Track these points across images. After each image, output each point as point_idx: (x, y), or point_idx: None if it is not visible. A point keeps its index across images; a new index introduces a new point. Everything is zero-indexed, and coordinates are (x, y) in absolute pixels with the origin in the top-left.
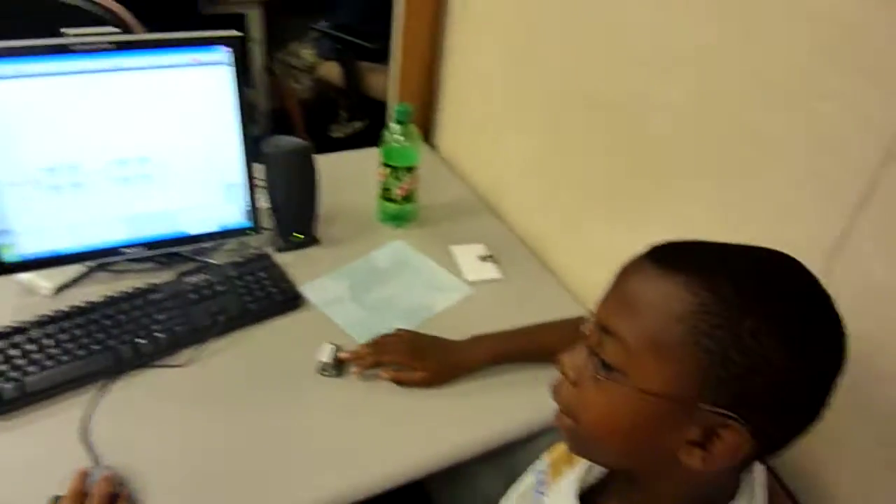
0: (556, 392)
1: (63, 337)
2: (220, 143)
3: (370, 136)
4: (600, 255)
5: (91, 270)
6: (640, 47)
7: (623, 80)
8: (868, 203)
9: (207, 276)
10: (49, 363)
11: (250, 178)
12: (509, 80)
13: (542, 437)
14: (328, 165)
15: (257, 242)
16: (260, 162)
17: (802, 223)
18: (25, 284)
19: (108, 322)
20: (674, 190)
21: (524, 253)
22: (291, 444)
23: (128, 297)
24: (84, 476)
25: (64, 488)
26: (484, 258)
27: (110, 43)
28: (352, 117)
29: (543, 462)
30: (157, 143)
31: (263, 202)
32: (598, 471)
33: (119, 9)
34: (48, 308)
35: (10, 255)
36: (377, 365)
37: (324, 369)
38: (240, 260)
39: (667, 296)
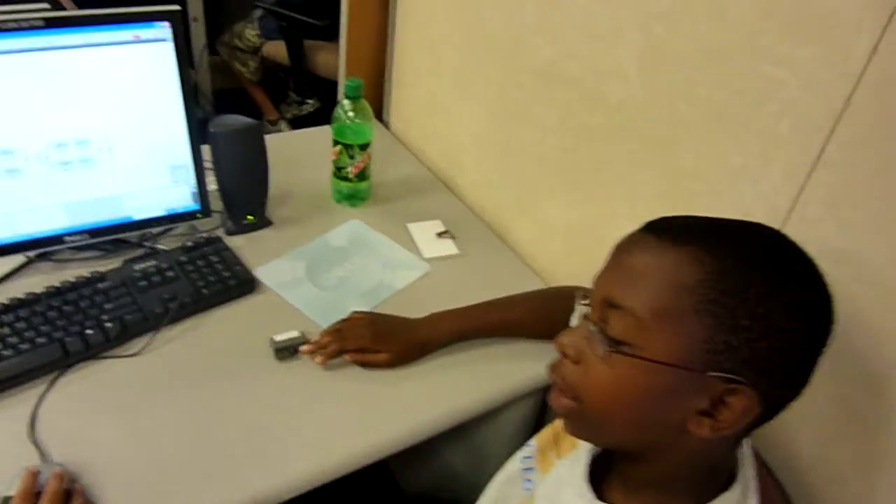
0: (557, 373)
1: (5, 331)
2: (164, 123)
3: (323, 117)
4: (557, 227)
5: (32, 261)
6: (589, 17)
7: (573, 51)
8: (818, 168)
9: (156, 262)
10: None
11: (197, 159)
12: (459, 54)
13: (505, 411)
14: (278, 145)
15: (207, 226)
16: (207, 142)
17: (755, 188)
18: None
19: (53, 313)
20: (628, 160)
21: (481, 228)
22: (251, 430)
23: (73, 286)
24: (34, 475)
25: (13, 488)
26: (441, 234)
27: (42, 20)
28: (302, 98)
29: (530, 447)
30: (97, 125)
31: (212, 184)
32: (595, 452)
33: None
34: None
35: None
36: (341, 352)
37: (278, 350)
38: (190, 244)
39: (675, 267)
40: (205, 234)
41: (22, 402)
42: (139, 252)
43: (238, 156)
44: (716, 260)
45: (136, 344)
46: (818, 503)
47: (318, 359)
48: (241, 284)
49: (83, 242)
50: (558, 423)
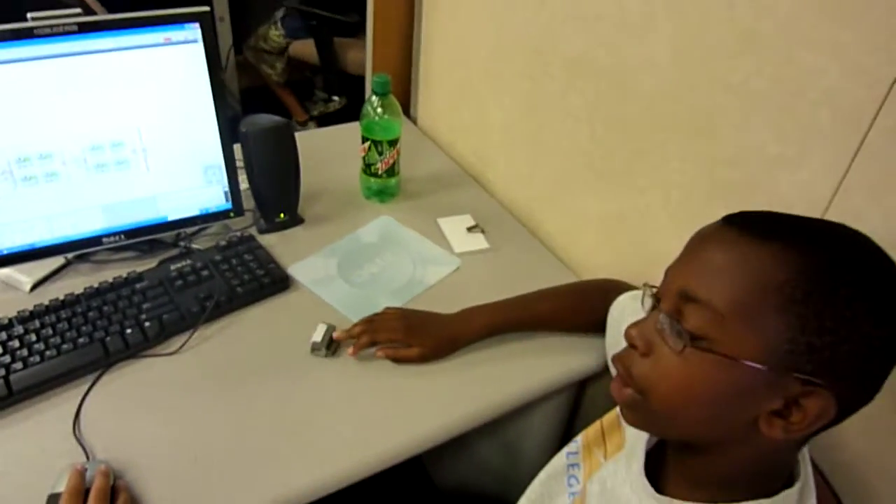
0: (624, 365)
1: (47, 332)
2: (196, 124)
3: (349, 114)
4: (589, 220)
5: (70, 262)
6: (620, 5)
7: (604, 41)
8: (860, 156)
9: (191, 262)
10: (34, 359)
11: (229, 158)
12: (487, 46)
13: (539, 406)
14: (307, 143)
15: (240, 225)
16: (237, 142)
17: (793, 178)
18: (3, 280)
19: (93, 314)
20: (662, 150)
21: (511, 222)
22: (288, 426)
23: (111, 287)
24: (81, 473)
25: (59, 485)
26: (471, 229)
27: (76, 24)
28: (330, 95)
29: (576, 443)
30: (131, 127)
31: (244, 183)
32: (649, 447)
33: None
34: (29, 303)
35: None
36: (373, 344)
37: (317, 349)
38: (224, 244)
39: (760, 263)
40: (238, 233)
41: (66, 401)
42: (174, 252)
43: (269, 154)
44: (804, 259)
45: (175, 343)
46: (865, 498)
47: (351, 350)
48: (275, 282)
49: (120, 243)
50: (605, 420)
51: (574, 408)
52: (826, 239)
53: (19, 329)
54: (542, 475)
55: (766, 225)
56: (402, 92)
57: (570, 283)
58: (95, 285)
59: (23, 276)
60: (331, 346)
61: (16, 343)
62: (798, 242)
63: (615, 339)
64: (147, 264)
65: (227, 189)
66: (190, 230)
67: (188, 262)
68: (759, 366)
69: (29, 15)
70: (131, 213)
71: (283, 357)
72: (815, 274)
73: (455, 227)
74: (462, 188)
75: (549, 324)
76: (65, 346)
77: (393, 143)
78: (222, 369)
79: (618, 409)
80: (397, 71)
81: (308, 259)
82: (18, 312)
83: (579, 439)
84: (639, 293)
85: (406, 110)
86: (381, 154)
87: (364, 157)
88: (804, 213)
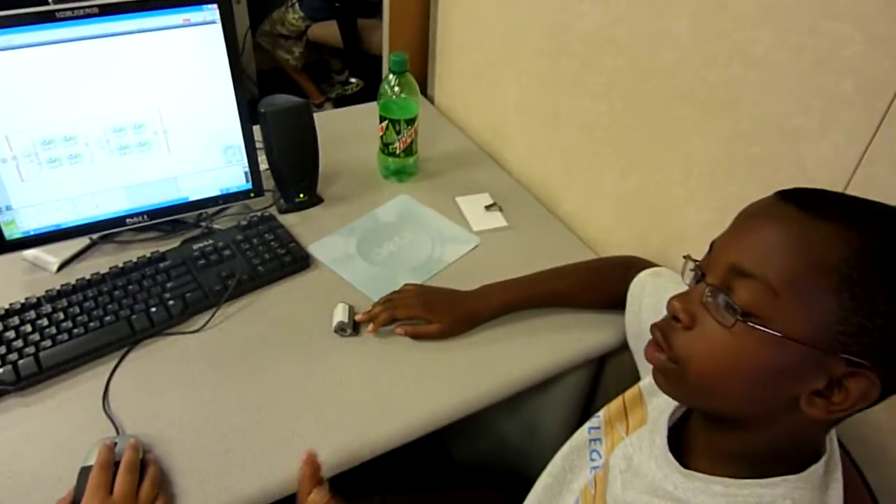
0: (664, 334)
1: (74, 310)
2: (216, 105)
3: (368, 96)
4: (608, 197)
5: (95, 243)
6: None
7: (622, 16)
8: (883, 127)
9: (213, 241)
10: (63, 337)
11: (249, 139)
12: (504, 24)
13: (557, 381)
14: (325, 123)
15: (260, 205)
16: (256, 123)
17: (816, 150)
18: (31, 261)
19: (118, 293)
20: (681, 126)
21: (529, 200)
22: (310, 401)
23: (135, 266)
24: (110, 447)
25: (91, 459)
26: (489, 207)
27: (96, 7)
28: (347, 77)
29: (598, 418)
30: (151, 109)
31: (263, 164)
32: (672, 421)
33: None
34: (56, 283)
35: (13, 232)
36: (392, 321)
37: (342, 329)
38: (244, 223)
39: (818, 241)
40: (258, 213)
41: (93, 377)
42: (196, 232)
43: (288, 134)
44: (862, 240)
45: (198, 321)
46: (886, 471)
47: (371, 327)
48: (296, 261)
49: (143, 224)
50: (627, 396)
51: (593, 384)
52: (883, 220)
53: (47, 308)
54: (564, 449)
55: (822, 203)
56: (419, 71)
57: (590, 260)
58: (120, 265)
59: (50, 256)
60: (355, 325)
61: (44, 321)
62: (858, 222)
63: (635, 316)
64: (170, 244)
65: (246, 169)
66: (211, 210)
67: (210, 241)
68: (809, 346)
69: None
70: (153, 193)
71: (305, 334)
72: (872, 255)
73: (473, 206)
74: (480, 167)
75: (567, 300)
76: (92, 324)
77: (410, 122)
78: (245, 346)
79: (640, 384)
80: (414, 50)
81: (328, 238)
82: (46, 292)
83: (601, 414)
84: (659, 270)
85: (423, 90)
86: (398, 133)
87: (382, 137)
88: (826, 185)
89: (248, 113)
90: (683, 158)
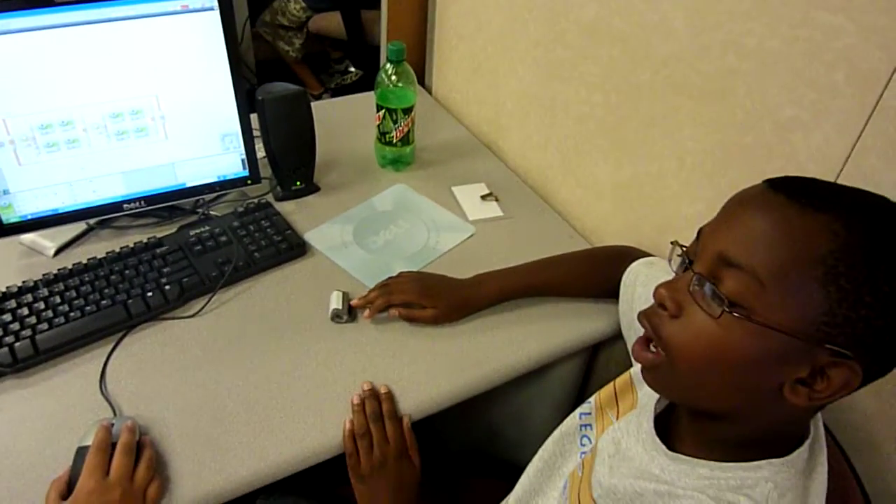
0: (652, 323)
1: (71, 294)
2: (214, 92)
3: (367, 86)
4: (603, 187)
5: (92, 228)
6: None
7: (618, 7)
8: (874, 118)
9: (210, 228)
10: (59, 320)
11: (246, 126)
12: (502, 14)
13: (550, 370)
14: (323, 112)
15: (257, 192)
16: (254, 111)
17: (807, 140)
18: (28, 245)
19: (115, 277)
20: (675, 116)
21: (525, 190)
22: (304, 386)
23: (132, 251)
24: (107, 428)
25: (88, 439)
26: (485, 197)
27: None
28: (346, 67)
29: (589, 404)
30: (149, 95)
31: (260, 151)
32: (659, 408)
33: None
34: (53, 267)
35: (10, 216)
36: (388, 306)
37: (337, 316)
38: (241, 210)
39: (807, 233)
40: (255, 200)
41: (91, 360)
42: (193, 218)
43: (285, 122)
44: (850, 232)
45: (194, 306)
46: (873, 458)
47: (367, 312)
48: (292, 248)
49: (140, 209)
50: (618, 382)
51: (586, 373)
52: (870, 211)
53: (44, 291)
54: (555, 434)
55: (811, 193)
56: (417, 61)
57: (584, 250)
58: (117, 250)
59: (46, 241)
60: (350, 311)
61: (41, 305)
62: (847, 214)
63: (628, 306)
64: (167, 230)
65: (244, 156)
66: (208, 197)
67: (206, 227)
68: (795, 337)
69: None
70: (151, 179)
71: (300, 320)
72: (858, 248)
73: (469, 195)
74: (476, 156)
75: (561, 289)
76: (88, 308)
77: (407, 111)
78: (241, 332)
79: (630, 371)
80: (412, 40)
81: (324, 226)
82: (43, 276)
83: (592, 400)
84: (652, 260)
85: (421, 80)
86: (395, 122)
87: (379, 126)
88: (817, 175)
89: (246, 100)
90: (677, 149)
